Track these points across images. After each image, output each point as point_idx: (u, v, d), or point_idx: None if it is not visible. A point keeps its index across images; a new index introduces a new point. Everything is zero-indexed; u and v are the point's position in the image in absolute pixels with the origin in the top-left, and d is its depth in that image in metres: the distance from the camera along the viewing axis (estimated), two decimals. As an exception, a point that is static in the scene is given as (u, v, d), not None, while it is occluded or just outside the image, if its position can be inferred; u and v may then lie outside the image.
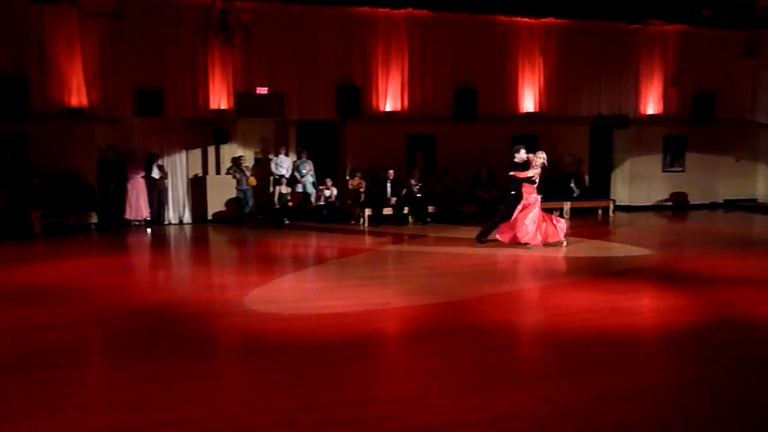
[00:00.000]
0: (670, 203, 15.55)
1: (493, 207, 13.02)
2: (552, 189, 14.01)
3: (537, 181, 9.42)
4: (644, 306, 6.39)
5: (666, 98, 15.28)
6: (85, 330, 5.39)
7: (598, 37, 14.63)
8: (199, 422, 3.52)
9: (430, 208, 12.95)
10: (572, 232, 10.15)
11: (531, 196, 9.29)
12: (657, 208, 15.27)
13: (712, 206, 15.50)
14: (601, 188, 15.45)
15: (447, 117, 13.84)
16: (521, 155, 9.47)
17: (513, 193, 9.42)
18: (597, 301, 6.19)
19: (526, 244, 9.22)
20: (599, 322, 5.45)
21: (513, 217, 9.32)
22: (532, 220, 9.19)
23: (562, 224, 9.49)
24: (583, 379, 4.17)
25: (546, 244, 9.25)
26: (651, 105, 15.25)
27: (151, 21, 12.11)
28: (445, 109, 13.86)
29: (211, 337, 5.26)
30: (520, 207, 9.29)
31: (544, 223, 9.26)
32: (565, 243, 9.37)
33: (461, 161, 13.86)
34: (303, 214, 13.15)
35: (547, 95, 14.43)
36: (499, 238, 9.49)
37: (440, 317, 5.68)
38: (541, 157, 9.37)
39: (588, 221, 13.03)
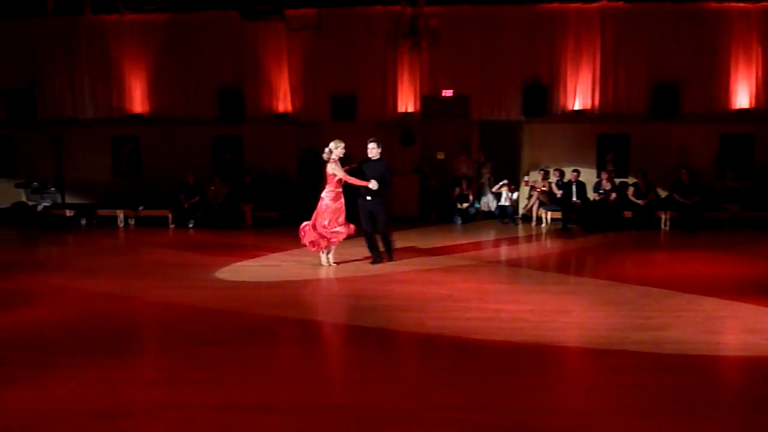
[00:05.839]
0: None
1: (695, 213, 11.86)
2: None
3: (335, 178, 8.31)
4: None
5: None
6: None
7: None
8: (380, 408, 3.76)
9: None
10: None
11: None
12: None
13: None
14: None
15: (642, 115, 12.86)
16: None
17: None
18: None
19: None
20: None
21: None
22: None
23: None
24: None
25: None
26: None
27: (347, 31, 13.02)
28: (640, 106, 12.89)
29: (393, 330, 5.53)
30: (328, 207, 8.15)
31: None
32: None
33: (658, 163, 12.84)
34: (482, 214, 13.31)
35: (765, 89, 12.69)
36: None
37: (622, 330, 5.35)
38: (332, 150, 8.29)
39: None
